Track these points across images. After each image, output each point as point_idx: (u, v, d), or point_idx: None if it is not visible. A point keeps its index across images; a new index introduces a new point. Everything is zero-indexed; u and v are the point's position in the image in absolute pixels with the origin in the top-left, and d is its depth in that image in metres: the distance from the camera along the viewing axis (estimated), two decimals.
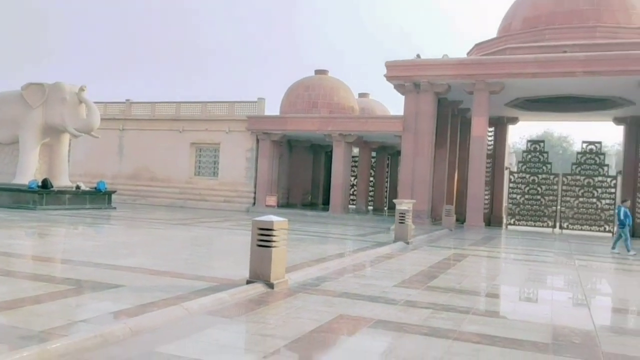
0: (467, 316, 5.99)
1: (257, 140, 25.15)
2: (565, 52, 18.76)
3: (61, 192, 19.21)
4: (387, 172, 31.88)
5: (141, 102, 27.95)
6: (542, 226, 23.79)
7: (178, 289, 6.46)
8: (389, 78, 21.08)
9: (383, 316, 5.83)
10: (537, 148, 24.81)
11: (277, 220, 6.88)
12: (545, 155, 24.58)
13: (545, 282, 9.57)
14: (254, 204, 24.97)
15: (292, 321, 5.44)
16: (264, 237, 6.79)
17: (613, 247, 14.54)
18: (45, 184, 18.55)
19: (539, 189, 24.24)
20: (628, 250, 13.89)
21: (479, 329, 5.41)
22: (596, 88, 19.94)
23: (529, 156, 24.66)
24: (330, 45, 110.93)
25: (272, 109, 26.81)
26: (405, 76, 20.80)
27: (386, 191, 31.39)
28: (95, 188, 20.71)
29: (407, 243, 13.42)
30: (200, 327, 5.02)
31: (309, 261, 9.28)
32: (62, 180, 20.26)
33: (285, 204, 27.15)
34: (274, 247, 6.78)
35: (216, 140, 25.97)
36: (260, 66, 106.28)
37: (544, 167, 24.42)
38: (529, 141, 26.47)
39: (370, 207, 29.74)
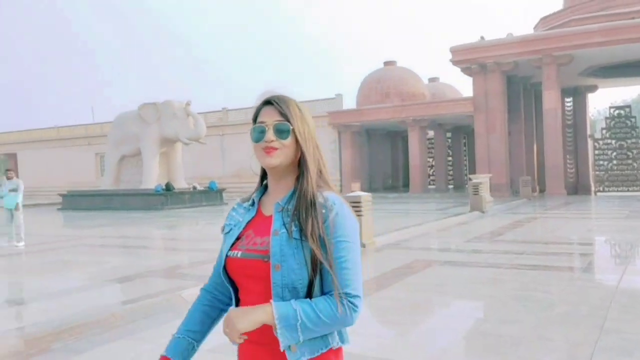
0: (521, 256, 7.76)
1: (339, 133, 27.44)
2: (633, 18, 18.92)
3: (181, 193, 22.55)
4: (465, 150, 32.81)
5: (236, 109, 31.39)
6: (636, 190, 23.47)
7: None
8: (455, 62, 22.33)
9: (450, 259, 7.77)
10: (621, 114, 24.63)
11: (363, 194, 9.05)
12: (632, 120, 24.35)
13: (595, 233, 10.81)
14: (340, 191, 27.20)
15: (379, 264, 7.56)
16: (354, 209, 8.97)
17: None
18: (168, 187, 21.99)
19: (629, 153, 24.13)
20: None
21: (528, 261, 7.20)
22: None
23: (613, 122, 24.58)
24: (396, 37, 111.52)
25: (348, 103, 28.94)
26: (470, 59, 21.94)
27: (465, 169, 32.35)
28: (208, 187, 23.97)
29: (483, 212, 14.96)
30: None
31: (393, 230, 11.29)
32: (180, 183, 23.74)
33: (368, 188, 29.15)
34: (362, 215, 8.93)
35: None
36: (331, 63, 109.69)
37: (633, 132, 24.24)
38: (612, 107, 26.07)
39: (451, 186, 30.94)
